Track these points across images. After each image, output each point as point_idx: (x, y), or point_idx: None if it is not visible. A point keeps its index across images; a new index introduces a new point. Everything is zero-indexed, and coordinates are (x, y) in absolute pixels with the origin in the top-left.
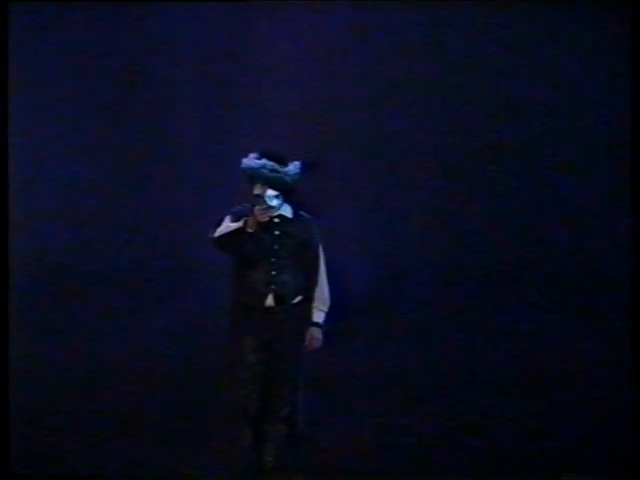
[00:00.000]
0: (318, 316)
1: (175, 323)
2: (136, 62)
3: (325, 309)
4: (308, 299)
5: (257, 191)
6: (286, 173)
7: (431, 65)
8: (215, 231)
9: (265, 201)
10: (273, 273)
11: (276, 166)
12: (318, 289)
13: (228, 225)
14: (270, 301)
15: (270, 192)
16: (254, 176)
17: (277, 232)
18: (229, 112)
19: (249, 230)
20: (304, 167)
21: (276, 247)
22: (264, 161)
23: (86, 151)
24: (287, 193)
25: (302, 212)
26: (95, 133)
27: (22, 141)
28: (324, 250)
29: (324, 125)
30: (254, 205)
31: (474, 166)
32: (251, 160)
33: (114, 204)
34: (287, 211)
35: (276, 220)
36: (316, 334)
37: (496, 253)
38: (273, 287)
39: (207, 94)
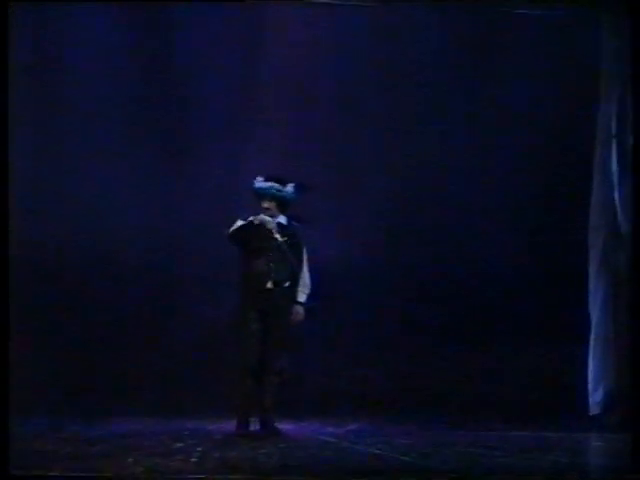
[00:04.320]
0: (301, 297)
1: (175, 320)
2: (135, 61)
3: (307, 291)
4: (294, 283)
5: (266, 205)
6: (287, 192)
7: (426, 66)
8: (229, 229)
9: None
10: (272, 264)
11: (279, 187)
12: (302, 276)
13: (237, 224)
14: (270, 284)
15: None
16: (264, 194)
17: (276, 234)
18: (242, 111)
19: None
20: (298, 188)
21: (274, 244)
22: (271, 184)
23: (87, 149)
24: (285, 207)
25: (293, 221)
26: (95, 130)
27: (22, 140)
28: (306, 248)
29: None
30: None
31: (464, 166)
32: (261, 183)
33: (118, 203)
34: (283, 220)
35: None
36: (300, 310)
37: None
38: (272, 274)
39: (220, 94)
